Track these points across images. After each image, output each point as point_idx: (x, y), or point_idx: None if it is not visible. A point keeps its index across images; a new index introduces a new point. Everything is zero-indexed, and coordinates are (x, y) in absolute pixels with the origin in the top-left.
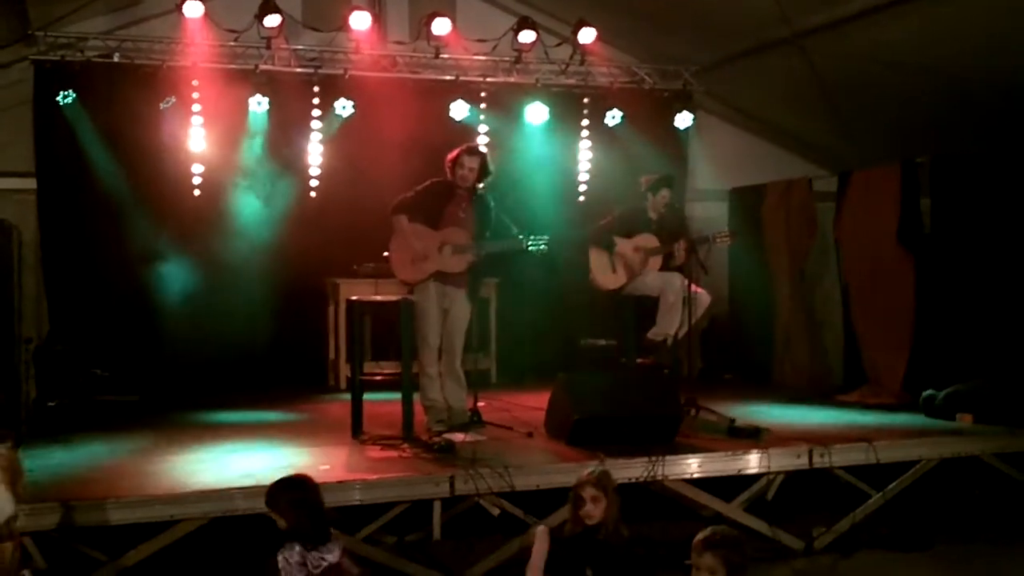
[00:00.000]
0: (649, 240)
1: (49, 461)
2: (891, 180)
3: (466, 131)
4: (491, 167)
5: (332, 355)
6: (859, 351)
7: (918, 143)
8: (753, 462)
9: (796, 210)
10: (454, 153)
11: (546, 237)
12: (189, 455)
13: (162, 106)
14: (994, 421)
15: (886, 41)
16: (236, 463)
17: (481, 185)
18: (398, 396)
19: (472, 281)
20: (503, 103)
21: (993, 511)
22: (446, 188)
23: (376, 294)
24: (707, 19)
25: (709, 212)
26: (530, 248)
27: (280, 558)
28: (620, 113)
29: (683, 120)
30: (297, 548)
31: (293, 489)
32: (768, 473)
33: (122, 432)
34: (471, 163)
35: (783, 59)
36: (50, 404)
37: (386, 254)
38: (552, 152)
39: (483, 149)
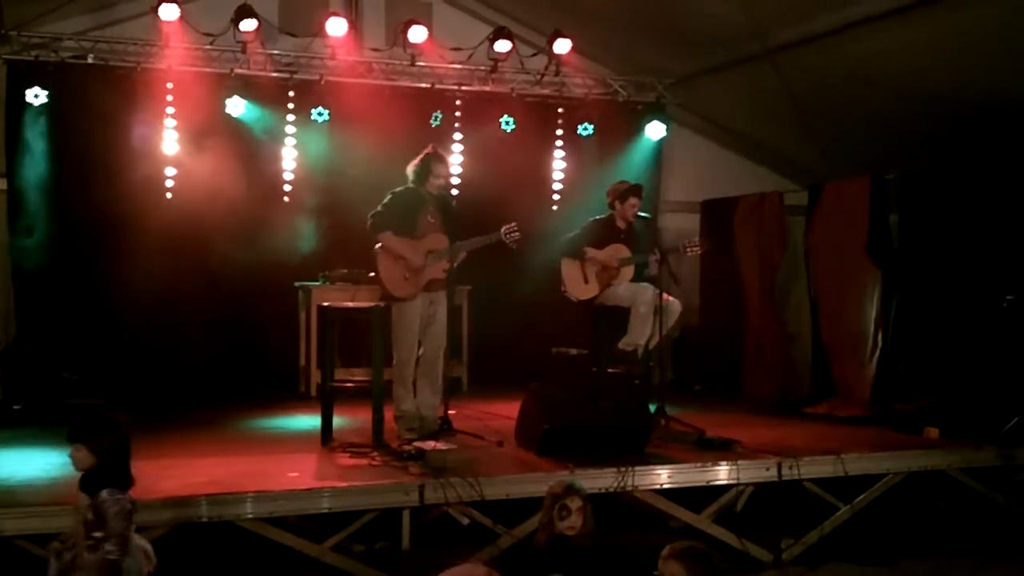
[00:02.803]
0: (620, 250)
1: (10, 465)
2: (861, 194)
3: (442, 139)
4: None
5: (303, 361)
6: (828, 363)
7: (888, 159)
8: (723, 474)
9: (767, 223)
10: (417, 162)
11: (515, 224)
12: (155, 461)
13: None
14: (960, 435)
15: (858, 57)
16: (202, 469)
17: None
18: (368, 403)
19: (450, 283)
20: (478, 112)
21: (958, 525)
22: (413, 196)
23: (348, 300)
24: (681, 33)
25: (681, 223)
26: (506, 238)
27: (114, 498)
28: (595, 124)
29: (655, 131)
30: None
31: (115, 428)
32: (737, 485)
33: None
34: (443, 170)
35: (756, 73)
36: (15, 407)
37: (372, 274)
38: (526, 160)
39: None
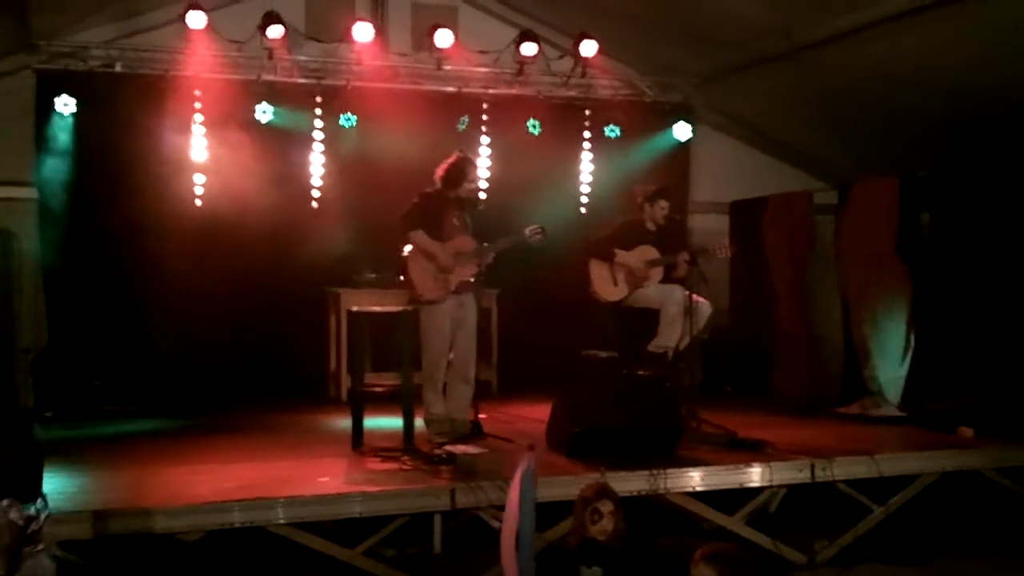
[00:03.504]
0: (649, 252)
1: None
2: (890, 192)
3: (468, 142)
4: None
5: (332, 366)
6: (859, 363)
7: (918, 157)
8: (755, 475)
9: (796, 223)
10: (449, 167)
11: (538, 226)
12: (186, 466)
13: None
14: (994, 435)
15: (884, 54)
16: (234, 475)
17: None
18: (399, 408)
19: (478, 285)
20: (505, 115)
21: (993, 526)
22: (439, 198)
23: (377, 304)
24: (708, 32)
25: (710, 225)
26: (530, 238)
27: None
28: (622, 125)
29: (681, 131)
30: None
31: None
32: (770, 486)
33: (119, 443)
34: (474, 175)
35: (784, 72)
36: (47, 415)
37: (401, 278)
38: (553, 163)
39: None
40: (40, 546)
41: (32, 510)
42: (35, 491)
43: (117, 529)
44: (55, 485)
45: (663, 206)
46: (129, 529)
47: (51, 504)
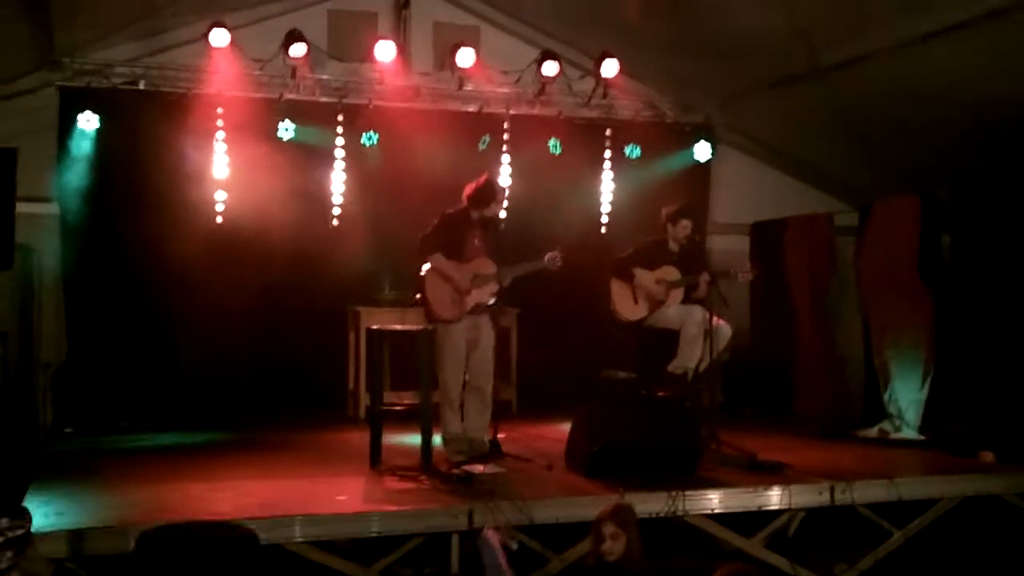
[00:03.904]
0: (671, 272)
1: (66, 488)
2: (910, 212)
3: (489, 161)
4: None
5: (352, 384)
6: (879, 386)
7: (939, 177)
8: (775, 498)
9: (817, 244)
10: (478, 187)
11: (558, 253)
12: (207, 483)
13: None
14: (1016, 459)
15: (907, 76)
16: (253, 492)
17: None
18: (417, 426)
19: (497, 307)
20: (526, 134)
21: (1013, 551)
22: (461, 219)
23: (396, 323)
24: (730, 53)
25: (730, 246)
26: (549, 265)
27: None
28: (643, 145)
29: (701, 151)
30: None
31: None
32: (790, 509)
33: (139, 459)
34: (502, 198)
35: (805, 93)
36: (66, 430)
37: (418, 296)
38: (574, 183)
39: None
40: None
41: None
42: (13, 505)
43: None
44: (75, 500)
45: (685, 225)
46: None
47: (74, 520)
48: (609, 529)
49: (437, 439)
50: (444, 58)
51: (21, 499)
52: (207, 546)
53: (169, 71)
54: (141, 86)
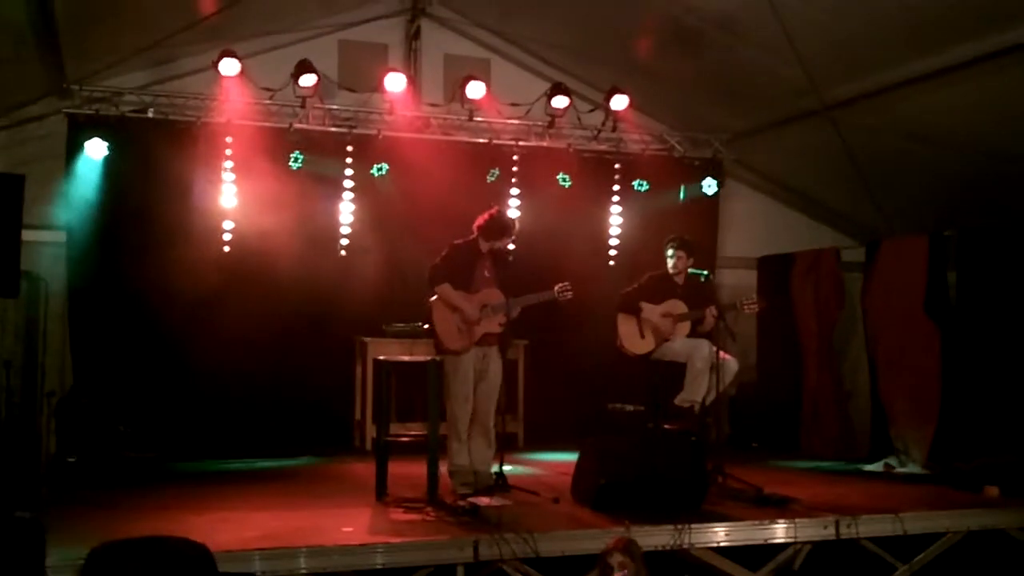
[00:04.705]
0: (677, 306)
1: (69, 519)
2: (918, 251)
3: (498, 193)
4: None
5: (358, 415)
6: (886, 421)
7: (947, 215)
8: (780, 532)
9: (824, 279)
10: (490, 219)
11: (568, 284)
12: (209, 514)
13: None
14: (1021, 494)
15: (915, 114)
16: (256, 524)
17: None
18: (423, 458)
19: (503, 337)
20: (535, 167)
21: None
22: (470, 250)
23: (404, 354)
24: (739, 89)
25: (738, 280)
26: (559, 296)
27: None
28: (652, 179)
29: (708, 186)
30: None
31: None
32: (795, 543)
33: (142, 490)
34: (513, 231)
35: (814, 130)
36: (70, 460)
37: (426, 327)
38: (583, 216)
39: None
40: None
41: None
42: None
43: None
44: (71, 532)
45: (671, 255)
46: None
47: (64, 553)
48: (617, 559)
49: (444, 470)
50: (454, 90)
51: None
52: (158, 562)
53: (178, 99)
54: (150, 114)
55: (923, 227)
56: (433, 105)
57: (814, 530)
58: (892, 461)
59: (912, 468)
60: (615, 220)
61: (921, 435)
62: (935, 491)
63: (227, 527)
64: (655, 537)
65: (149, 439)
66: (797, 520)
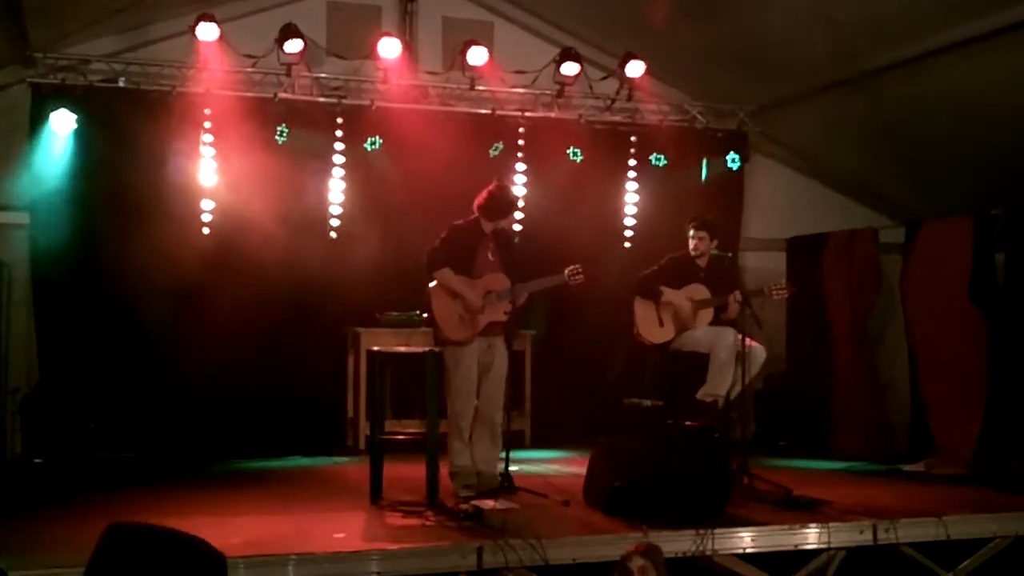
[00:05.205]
0: (699, 291)
1: (36, 525)
2: (963, 232)
3: (502, 169)
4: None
5: (351, 412)
6: (926, 417)
7: (992, 194)
8: (812, 537)
9: (860, 262)
10: (490, 197)
11: (579, 266)
12: (189, 519)
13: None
14: None
15: (955, 82)
16: (242, 529)
17: None
18: (422, 458)
19: (509, 326)
20: (543, 140)
21: None
22: (472, 231)
23: (401, 345)
24: (766, 55)
25: (765, 263)
26: (570, 280)
27: None
28: (670, 153)
29: (732, 161)
30: None
31: None
32: (828, 549)
33: (115, 493)
34: (516, 208)
35: (846, 99)
36: (36, 461)
37: (425, 315)
38: (595, 194)
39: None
40: None
41: None
42: None
43: None
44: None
45: (693, 235)
46: None
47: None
48: (637, 563)
49: (444, 472)
50: (454, 56)
51: None
52: (173, 558)
53: (152, 68)
54: (121, 83)
55: (967, 205)
56: (431, 73)
57: (849, 535)
58: (933, 460)
59: (955, 468)
60: (630, 198)
61: (965, 432)
62: (980, 493)
63: (209, 533)
64: (675, 543)
65: (123, 438)
66: (830, 524)
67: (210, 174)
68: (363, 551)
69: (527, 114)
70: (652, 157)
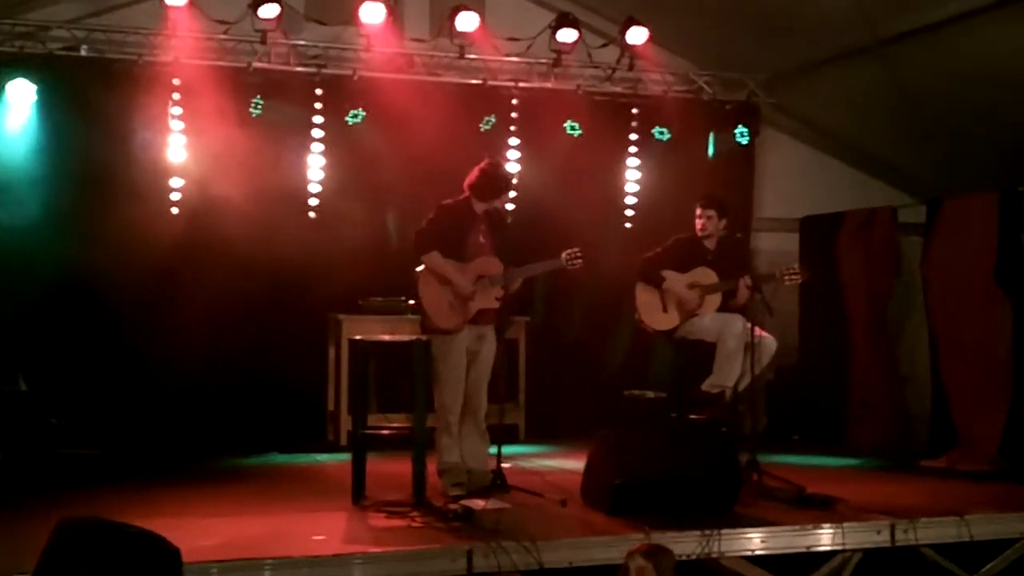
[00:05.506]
0: (706, 275)
1: None
2: (988, 210)
3: (494, 144)
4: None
5: (332, 405)
6: (948, 408)
7: (1020, 169)
8: (826, 538)
9: (878, 244)
10: (481, 177)
11: (578, 250)
12: (157, 520)
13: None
14: None
15: (983, 51)
16: (214, 531)
17: None
18: (408, 454)
19: (502, 314)
20: (538, 112)
21: None
22: (462, 212)
23: (386, 333)
24: (778, 21)
25: (777, 245)
26: (568, 265)
27: None
28: (675, 127)
29: (742, 135)
30: None
31: None
32: (843, 551)
33: (79, 492)
34: (511, 186)
35: (865, 69)
36: None
37: (412, 302)
38: (594, 170)
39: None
40: None
41: None
42: None
43: None
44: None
45: (700, 215)
46: None
47: None
48: (637, 563)
49: (432, 469)
50: (442, 22)
51: None
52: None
53: (116, 34)
54: (83, 52)
55: (993, 181)
56: (417, 40)
57: (865, 535)
58: (956, 454)
59: (980, 463)
60: (632, 175)
61: (990, 424)
62: (1006, 490)
63: (180, 535)
64: (680, 544)
65: (88, 434)
66: (845, 524)
67: (179, 150)
68: (344, 554)
69: (521, 85)
70: (655, 131)
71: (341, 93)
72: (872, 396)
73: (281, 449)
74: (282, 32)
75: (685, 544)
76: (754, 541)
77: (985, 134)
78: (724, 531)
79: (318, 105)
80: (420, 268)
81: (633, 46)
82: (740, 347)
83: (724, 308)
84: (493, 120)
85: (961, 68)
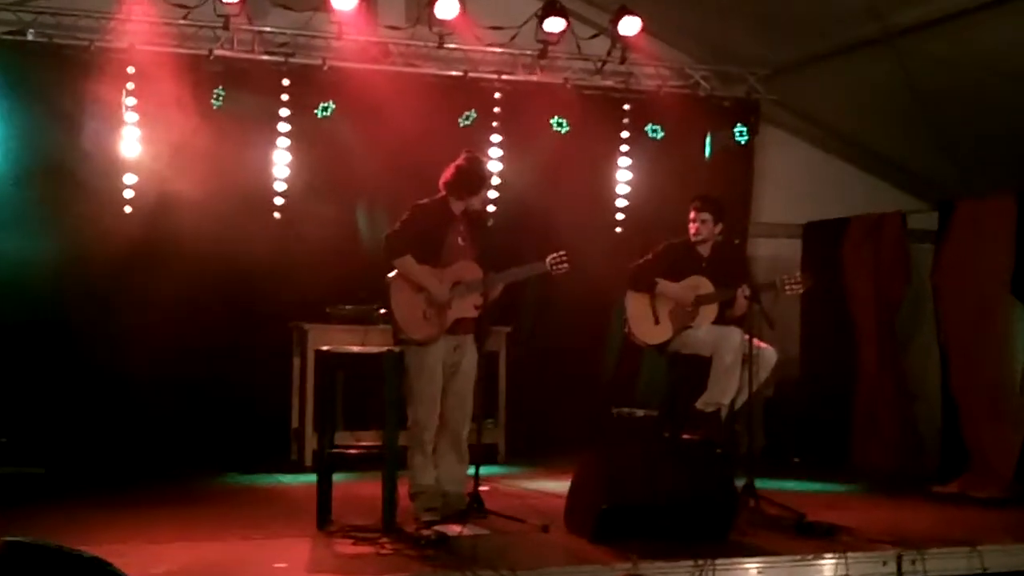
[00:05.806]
0: (701, 284)
1: None
2: (1004, 214)
3: (475, 140)
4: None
5: (296, 422)
6: (960, 429)
7: None
8: (828, 569)
9: (886, 251)
10: (458, 172)
11: (564, 253)
12: (105, 546)
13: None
14: None
15: (1000, 44)
16: (166, 557)
17: None
18: (378, 476)
19: (480, 323)
20: (523, 107)
21: None
22: (439, 212)
23: (355, 344)
24: (779, 13)
25: (777, 251)
26: (552, 270)
27: None
28: (669, 124)
29: (741, 133)
30: None
31: None
32: None
33: (23, 512)
34: (489, 183)
35: (872, 63)
36: None
37: (383, 310)
38: (582, 170)
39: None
40: None
41: None
42: None
43: None
44: None
45: (692, 218)
46: None
47: None
48: None
49: (404, 492)
50: (420, 9)
51: None
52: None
53: (66, 18)
54: (30, 36)
55: (1008, 184)
56: (393, 28)
57: (870, 566)
58: (969, 479)
59: (994, 489)
60: (623, 175)
61: (1005, 447)
62: (1022, 518)
63: (128, 561)
64: (671, 574)
65: (34, 451)
66: (849, 554)
67: (134, 143)
68: None
69: (504, 77)
70: (648, 128)
71: (310, 84)
72: (879, 415)
73: (241, 469)
74: (246, 17)
75: (676, 574)
76: (751, 572)
77: (1000, 132)
78: (719, 561)
79: (285, 97)
80: (392, 274)
81: (625, 37)
82: (737, 362)
83: (720, 319)
84: (474, 115)
85: (975, 62)
